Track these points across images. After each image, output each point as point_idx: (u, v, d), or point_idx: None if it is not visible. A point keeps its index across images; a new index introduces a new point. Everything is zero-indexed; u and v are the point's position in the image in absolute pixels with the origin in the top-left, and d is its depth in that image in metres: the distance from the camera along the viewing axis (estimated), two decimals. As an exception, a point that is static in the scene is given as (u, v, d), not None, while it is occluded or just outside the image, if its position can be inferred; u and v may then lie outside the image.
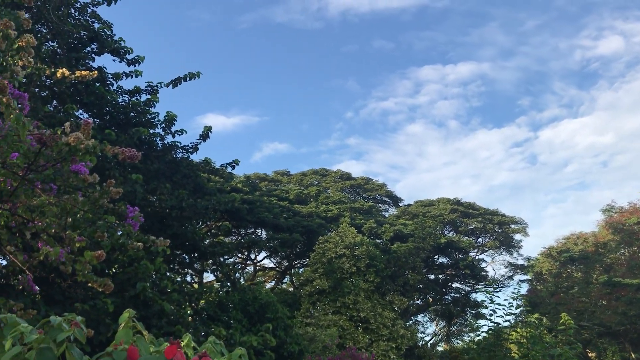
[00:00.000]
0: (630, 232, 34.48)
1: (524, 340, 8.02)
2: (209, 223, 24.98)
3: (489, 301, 8.26)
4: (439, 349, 36.45)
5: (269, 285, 33.80)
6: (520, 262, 39.25)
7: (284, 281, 35.82)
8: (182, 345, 4.18)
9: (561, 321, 7.88)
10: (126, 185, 12.00)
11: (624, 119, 79.53)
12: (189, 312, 18.32)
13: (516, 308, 8.00)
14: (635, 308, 31.05)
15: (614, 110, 79.84)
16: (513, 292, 8.31)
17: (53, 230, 5.40)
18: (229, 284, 20.84)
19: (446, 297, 38.10)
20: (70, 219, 4.87)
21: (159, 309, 12.44)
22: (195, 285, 21.15)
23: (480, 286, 36.16)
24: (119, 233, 6.52)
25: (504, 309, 8.08)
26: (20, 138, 4.07)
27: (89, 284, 6.57)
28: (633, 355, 33.16)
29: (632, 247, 35.01)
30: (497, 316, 8.15)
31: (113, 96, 14.10)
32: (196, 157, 17.11)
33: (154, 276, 13.45)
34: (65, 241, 4.97)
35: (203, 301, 18.89)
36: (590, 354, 34.70)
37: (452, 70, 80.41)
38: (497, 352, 8.12)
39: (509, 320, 8.05)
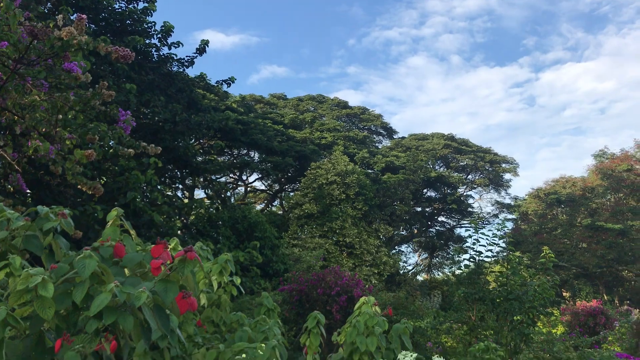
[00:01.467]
0: (619, 178, 34.84)
1: (504, 269, 8.26)
2: (202, 141, 24.94)
3: (474, 230, 8.42)
4: (420, 278, 37.48)
5: (259, 207, 34.21)
6: (507, 201, 39.80)
7: (274, 204, 36.23)
8: (169, 247, 4.28)
9: (542, 254, 8.07)
10: (120, 95, 11.85)
11: (628, 67, 78.54)
12: (178, 225, 18.63)
13: (499, 238, 8.16)
14: (614, 252, 31.88)
15: (619, 56, 78.65)
16: (498, 224, 8.46)
17: (43, 129, 5.38)
18: (219, 201, 21.01)
19: (431, 229, 38.82)
20: (60, 116, 4.83)
21: (148, 219, 12.62)
22: (186, 201, 21.36)
23: (465, 222, 36.79)
24: (110, 141, 6.52)
25: (487, 239, 8.25)
26: (10, 28, 3.97)
27: (79, 187, 6.63)
28: (605, 297, 34.25)
29: (618, 193, 35.49)
30: (479, 245, 8.33)
31: (109, 1, 13.68)
32: (192, 73, 16.82)
33: (144, 187, 13.56)
34: (56, 139, 4.95)
35: (193, 216, 19.17)
36: (565, 294, 35.85)
37: (459, 3, 78.24)
38: (476, 281, 8.36)
39: (490, 250, 8.24)
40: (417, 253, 43.33)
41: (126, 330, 2.69)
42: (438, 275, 39.77)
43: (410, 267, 40.99)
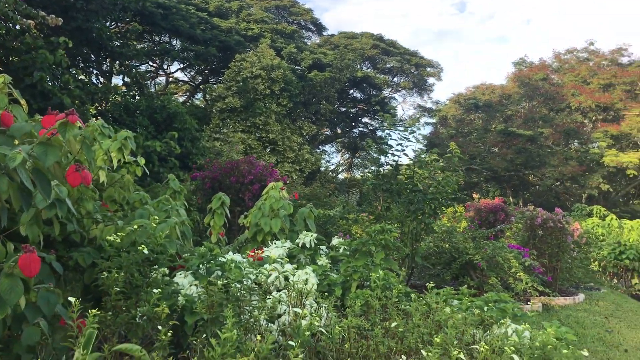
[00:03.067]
0: (534, 87, 36.23)
1: (413, 165, 8.54)
2: (119, 25, 23.41)
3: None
4: (340, 177, 38.44)
5: (181, 100, 33.18)
6: (429, 105, 40.66)
7: (196, 97, 35.26)
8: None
9: (448, 149, 8.37)
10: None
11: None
12: (92, 111, 17.83)
13: (410, 133, 8.35)
14: (522, 157, 33.75)
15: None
16: (411, 118, 8.64)
17: None
18: (137, 89, 20.13)
19: (354, 130, 39.34)
20: None
21: (58, 102, 11.97)
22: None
23: (392, 126, 37.40)
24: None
25: (399, 133, 8.42)
26: None
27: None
28: (512, 200, 36.57)
29: (532, 101, 37.03)
30: (391, 139, 8.51)
31: None
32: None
33: (54, 69, 12.78)
34: None
35: (109, 104, 18.35)
36: (475, 196, 38.02)
37: None
38: (391, 179, 8.62)
39: (400, 145, 8.43)
40: (340, 153, 44.13)
41: (0, 191, 2.57)
42: (359, 175, 40.89)
43: (332, 166, 41.86)
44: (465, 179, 8.65)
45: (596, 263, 15.67)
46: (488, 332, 3.95)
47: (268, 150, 25.86)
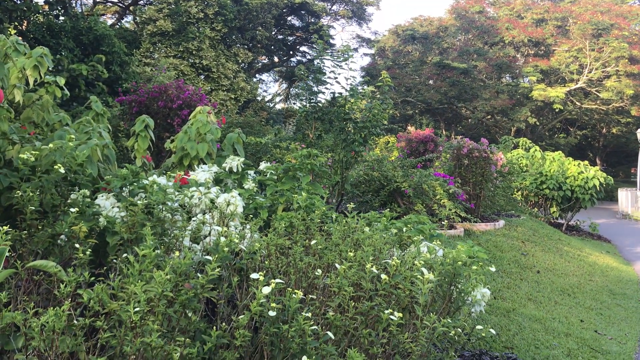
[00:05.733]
0: (471, 19, 36.52)
1: (345, 94, 8.56)
2: None
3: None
4: (277, 107, 38.09)
5: (109, 22, 31.44)
6: (367, 35, 40.39)
7: (125, 20, 33.50)
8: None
9: (380, 78, 8.42)
10: None
11: None
12: (11, 31, 16.71)
13: (343, 60, 8.32)
14: (456, 90, 34.42)
15: None
16: (344, 46, 8.58)
17: None
18: (60, 8, 18.92)
19: (292, 59, 38.74)
20: None
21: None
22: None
23: (326, 53, 37.00)
24: None
25: (333, 60, 8.37)
26: None
27: None
28: (445, 132, 37.54)
29: (468, 34, 37.41)
30: (324, 66, 8.46)
31: None
32: None
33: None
34: None
35: (31, 24, 17.20)
36: (409, 128, 38.71)
37: None
38: (324, 109, 8.62)
39: (333, 72, 8.40)
40: (278, 83, 43.52)
41: None
42: (296, 106, 40.63)
43: (269, 97, 41.31)
44: (400, 110, 8.72)
45: (519, 192, 16.52)
46: (406, 251, 4.15)
47: (202, 77, 25.15)
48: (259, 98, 31.92)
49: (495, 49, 36.58)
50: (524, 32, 34.86)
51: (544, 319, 6.66)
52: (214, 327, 2.83)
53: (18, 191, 3.04)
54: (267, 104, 34.09)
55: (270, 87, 42.24)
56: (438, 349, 3.74)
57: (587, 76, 33.24)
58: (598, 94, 33.75)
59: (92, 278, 2.73)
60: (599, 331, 6.65)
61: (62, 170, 3.25)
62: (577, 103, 35.32)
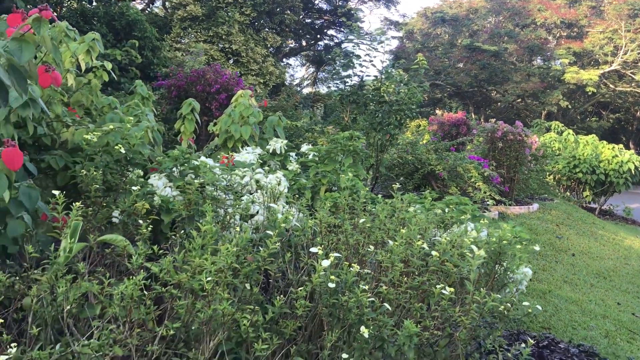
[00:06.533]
0: (501, 1, 35.92)
1: (380, 77, 8.60)
2: None
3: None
4: (305, 91, 38.13)
5: (139, 7, 31.75)
6: (396, 18, 40.05)
7: (155, 5, 33.77)
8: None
9: (415, 61, 8.43)
10: None
11: None
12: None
13: (378, 43, 8.36)
14: (486, 73, 33.99)
15: None
16: (378, 29, 8.60)
17: None
18: (93, -8, 19.19)
19: (319, 43, 38.64)
20: None
21: (8, 6, 11.43)
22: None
23: (353, 37, 36.83)
24: None
25: (367, 44, 8.41)
26: None
27: None
28: (474, 116, 37.16)
29: (499, 16, 36.83)
30: (359, 49, 8.50)
31: None
32: None
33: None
34: None
35: (64, 10, 17.53)
36: (438, 111, 38.45)
37: None
38: (358, 91, 8.67)
39: (368, 55, 8.45)
40: (305, 67, 43.50)
41: (-24, 86, 2.57)
42: (323, 90, 40.60)
43: (297, 80, 41.34)
44: (429, 94, 8.75)
45: (551, 176, 16.36)
46: (449, 230, 4.23)
47: (231, 61, 25.32)
48: (287, 82, 32.00)
49: (527, 31, 35.95)
50: (557, 13, 34.17)
51: (580, 301, 6.68)
52: (269, 299, 2.96)
53: (83, 170, 3.20)
54: (295, 87, 34.15)
55: (297, 71, 42.22)
56: (485, 324, 3.83)
57: (621, 58, 32.50)
58: (633, 76, 32.99)
59: (150, 252, 2.88)
60: (637, 314, 6.65)
61: (122, 151, 3.40)
62: (610, 86, 34.59)
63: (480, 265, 3.21)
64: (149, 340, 2.43)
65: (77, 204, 2.61)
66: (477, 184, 9.12)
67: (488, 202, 9.28)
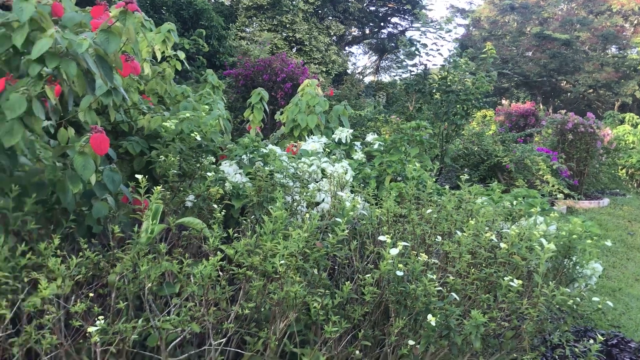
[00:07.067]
0: (574, -13, 34.51)
1: (447, 66, 8.49)
2: None
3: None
4: (367, 80, 37.94)
5: (206, -4, 32.41)
6: (462, 5, 39.16)
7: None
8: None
9: (484, 50, 8.28)
10: None
11: None
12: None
13: (446, 32, 8.25)
14: (556, 62, 32.78)
15: None
16: (446, 17, 8.48)
17: None
18: (162, -15, 19.71)
19: (383, 31, 38.29)
20: None
21: (87, -3, 11.95)
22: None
23: (418, 24, 36.29)
24: None
25: (435, 32, 8.31)
26: None
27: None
28: (542, 106, 36.02)
29: (571, 2, 35.38)
30: (425, 37, 8.42)
31: None
32: None
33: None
34: None
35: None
36: (504, 101, 37.44)
37: None
38: (423, 82, 8.59)
39: (435, 44, 8.36)
40: (367, 55, 43.24)
41: (69, 75, 2.75)
42: (386, 78, 40.25)
43: (359, 69, 41.17)
44: (495, 83, 8.58)
45: (624, 170, 15.68)
46: (517, 223, 4.18)
47: (294, 50, 25.51)
48: (349, 71, 31.95)
49: (601, 18, 34.36)
50: (635, -1, 32.52)
51: (653, 300, 6.43)
52: (336, 284, 3.03)
53: (161, 156, 3.36)
54: (358, 76, 34.05)
55: (359, 59, 42.03)
56: (552, 318, 3.77)
57: None
58: None
59: (224, 235, 2.99)
60: None
61: (198, 138, 3.54)
62: (691, 76, 32.67)
63: (549, 259, 3.17)
64: (223, 318, 2.55)
65: (158, 188, 2.75)
66: (545, 177, 8.88)
67: (556, 196, 9.04)
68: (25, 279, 2.47)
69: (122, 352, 2.50)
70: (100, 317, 2.33)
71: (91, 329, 2.26)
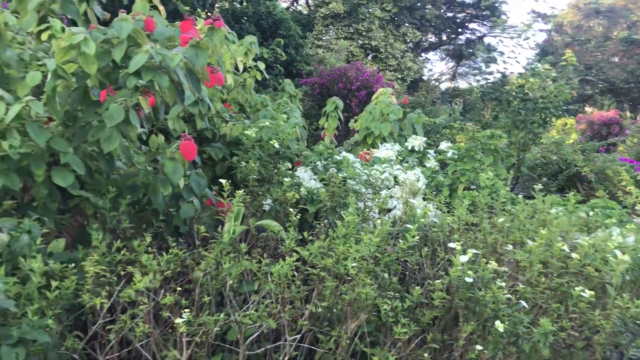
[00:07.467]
0: (668, -11, 32.61)
1: (525, 73, 8.35)
2: None
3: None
4: (443, 87, 37.45)
5: (284, 5, 33.17)
6: (543, 10, 37.93)
7: (299, 3, 35.04)
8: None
9: (564, 57, 8.08)
10: None
11: None
12: (203, 17, 18.33)
13: (524, 39, 8.11)
14: (645, 68, 31.10)
15: None
16: (525, 24, 8.34)
17: None
18: (243, -6, 20.41)
19: (460, 37, 37.67)
20: None
21: (173, 8, 12.58)
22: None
23: (497, 31, 35.44)
24: None
25: (514, 39, 8.18)
26: None
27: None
28: (629, 114, 34.25)
29: (663, 5, 33.48)
30: (503, 45, 8.30)
31: None
32: None
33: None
34: None
35: (217, 10, 18.85)
36: (588, 109, 35.86)
37: None
38: (501, 88, 8.49)
39: (513, 52, 8.22)
40: (444, 61, 42.67)
41: (162, 87, 3.00)
42: (463, 85, 39.55)
43: (435, 75, 40.71)
44: (578, 90, 8.31)
45: None
46: (592, 234, 4.10)
47: (370, 57, 25.60)
48: (424, 78, 31.70)
49: (698, 20, 32.30)
50: None
51: None
52: (406, 289, 3.12)
53: (242, 162, 3.57)
54: (433, 82, 33.71)
55: (435, 65, 41.52)
56: (627, 331, 3.69)
57: None
58: None
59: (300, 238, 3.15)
60: None
61: (276, 146, 3.74)
62: None
63: (625, 271, 3.12)
64: (298, 316, 2.71)
65: (240, 192, 2.95)
66: (628, 187, 8.51)
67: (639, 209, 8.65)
68: (121, 273, 2.72)
69: (204, 344, 2.70)
70: (186, 310, 2.54)
71: (178, 320, 2.47)
